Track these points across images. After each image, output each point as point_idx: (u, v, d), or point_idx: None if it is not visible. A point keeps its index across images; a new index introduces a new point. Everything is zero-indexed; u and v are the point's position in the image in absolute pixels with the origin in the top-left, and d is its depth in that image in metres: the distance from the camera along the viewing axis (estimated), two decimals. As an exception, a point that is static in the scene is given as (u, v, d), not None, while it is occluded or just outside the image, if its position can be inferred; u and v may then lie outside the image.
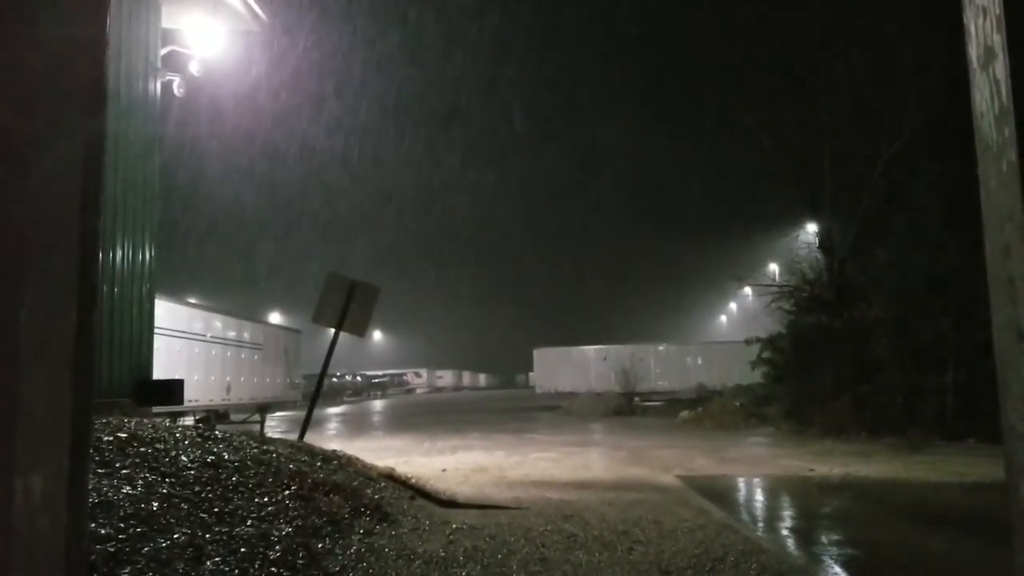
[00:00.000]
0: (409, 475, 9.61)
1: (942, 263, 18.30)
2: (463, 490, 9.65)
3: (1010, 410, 1.34)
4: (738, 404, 25.82)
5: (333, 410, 41.61)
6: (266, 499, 5.89)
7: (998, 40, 1.35)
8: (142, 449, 5.91)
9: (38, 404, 1.14)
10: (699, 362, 43.73)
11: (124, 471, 5.30)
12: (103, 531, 4.17)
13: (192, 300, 26.10)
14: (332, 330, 11.96)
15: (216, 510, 5.26)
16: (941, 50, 16.93)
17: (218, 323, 23.60)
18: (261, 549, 4.88)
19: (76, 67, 1.26)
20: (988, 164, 1.38)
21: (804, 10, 21.44)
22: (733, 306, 71.07)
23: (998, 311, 1.37)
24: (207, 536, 4.74)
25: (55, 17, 1.25)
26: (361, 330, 12.20)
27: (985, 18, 1.38)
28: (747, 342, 25.91)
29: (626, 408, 33.12)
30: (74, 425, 1.16)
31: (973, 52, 1.43)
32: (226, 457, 6.58)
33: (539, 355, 46.81)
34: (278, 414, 29.94)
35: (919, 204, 19.64)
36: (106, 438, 5.84)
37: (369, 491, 7.60)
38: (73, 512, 1.14)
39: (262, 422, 23.47)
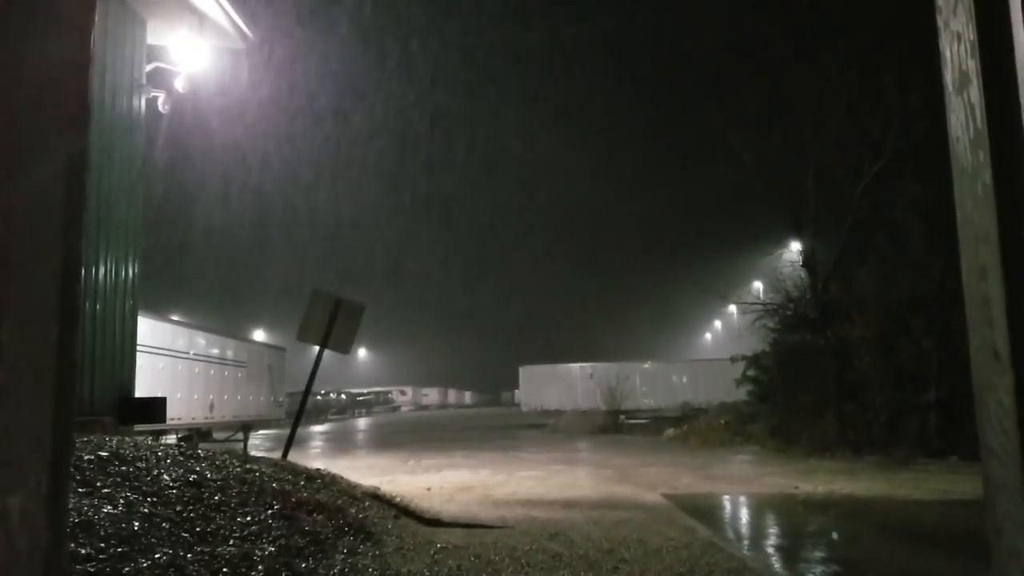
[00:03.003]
0: (394, 494, 9.55)
1: (924, 282, 18.46)
2: (448, 509, 9.60)
3: (987, 429, 1.35)
4: (723, 422, 25.86)
5: (317, 428, 41.34)
6: (249, 518, 5.84)
7: (972, 65, 1.38)
8: (123, 468, 5.86)
9: (17, 423, 1.13)
10: (684, 380, 43.84)
11: (105, 490, 5.24)
12: (83, 551, 4.12)
13: (175, 317, 25.96)
14: (317, 347, 11.91)
15: (198, 529, 5.21)
16: (922, 71, 17.17)
17: (201, 340, 23.47)
18: (244, 569, 4.83)
19: (60, 85, 1.26)
20: (964, 187, 1.41)
21: (787, 32, 21.70)
22: (718, 324, 71.35)
23: (975, 332, 1.38)
24: (189, 556, 4.69)
25: (38, 34, 1.25)
26: (346, 347, 12.17)
27: (960, 43, 1.41)
28: (732, 360, 26.01)
29: (612, 426, 33.09)
30: (54, 445, 1.15)
31: (948, 77, 1.46)
32: (209, 476, 6.53)
33: (525, 372, 46.80)
34: (261, 432, 29.74)
35: (901, 223, 19.84)
36: (87, 456, 5.78)
37: (353, 510, 7.54)
38: (52, 532, 1.13)
39: (245, 440, 23.35)
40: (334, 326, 11.73)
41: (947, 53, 1.46)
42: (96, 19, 1.37)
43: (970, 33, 1.38)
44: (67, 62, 1.29)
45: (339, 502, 7.62)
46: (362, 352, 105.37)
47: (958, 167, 1.42)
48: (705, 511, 10.51)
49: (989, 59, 1.35)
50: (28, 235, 1.20)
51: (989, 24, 1.35)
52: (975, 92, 1.37)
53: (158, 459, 6.55)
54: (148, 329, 16.97)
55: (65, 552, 1.19)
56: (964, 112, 1.40)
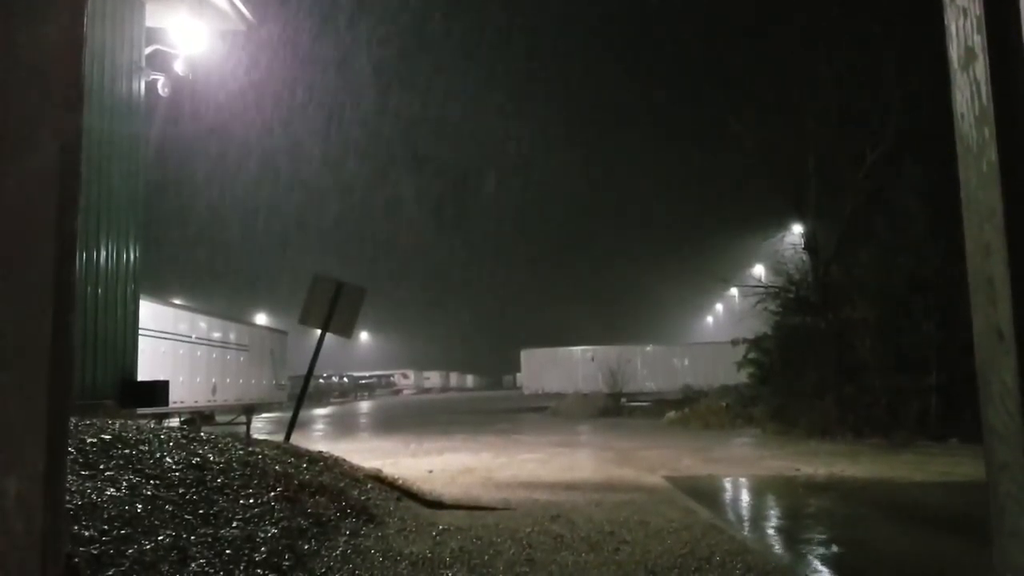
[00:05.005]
0: (396, 476, 9.58)
1: (925, 265, 18.45)
2: (450, 491, 9.64)
3: (989, 410, 1.35)
4: (724, 405, 25.91)
5: (319, 411, 41.48)
6: (252, 501, 5.86)
7: (978, 41, 1.36)
8: (126, 451, 5.87)
9: (12, 406, 1.12)
10: (686, 363, 43.82)
11: (108, 473, 5.26)
12: (87, 533, 4.14)
13: (177, 301, 25.98)
14: (318, 331, 11.92)
15: (201, 512, 5.23)
16: (925, 52, 17.05)
17: (203, 324, 23.50)
18: (246, 551, 4.86)
19: (53, 66, 1.25)
20: (968, 165, 1.39)
21: (788, 15, 21.55)
22: (719, 307, 71.33)
23: (978, 312, 1.37)
24: (192, 538, 4.71)
25: (31, 14, 1.23)
26: (347, 331, 12.17)
27: (966, 19, 1.39)
28: (733, 343, 26.02)
29: (613, 409, 33.18)
30: (50, 427, 1.15)
31: (954, 53, 1.44)
32: (211, 459, 6.55)
33: (526, 356, 46.79)
34: (264, 416, 29.82)
35: (903, 206, 19.80)
36: (90, 440, 5.79)
37: (355, 492, 7.57)
38: (50, 514, 1.13)
39: (248, 424, 23.39)
40: (335, 310, 11.74)
41: (952, 29, 1.43)
42: (91, 0, 1.35)
43: (976, 8, 1.36)
44: (60, 43, 1.27)
45: (341, 484, 7.65)
46: (364, 336, 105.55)
47: (963, 145, 1.40)
48: (706, 493, 10.55)
49: (995, 34, 1.33)
50: (23, 217, 1.19)
51: (995, -1, 1.33)
52: (981, 68, 1.35)
53: (161, 442, 6.57)
54: (150, 313, 16.98)
55: (64, 535, 1.19)
56: (969, 88, 1.38)
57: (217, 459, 6.61)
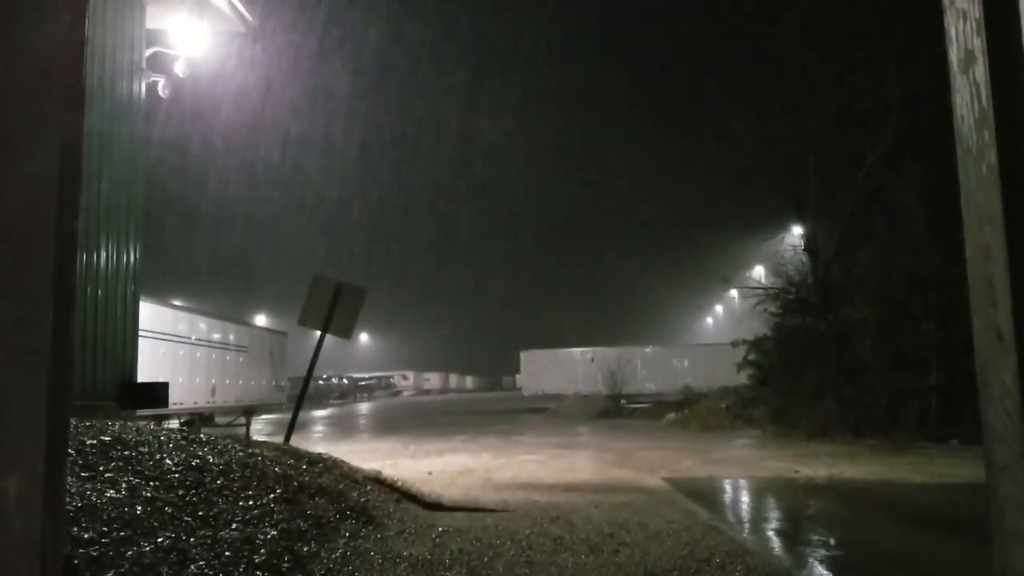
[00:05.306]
0: (395, 478, 9.58)
1: (925, 265, 18.44)
2: (449, 493, 9.63)
3: (990, 411, 1.35)
4: (724, 406, 25.90)
5: (319, 413, 41.44)
6: (251, 502, 5.86)
7: (978, 44, 1.36)
8: (126, 452, 5.86)
9: (12, 406, 1.12)
10: (685, 364, 43.83)
11: (107, 474, 5.25)
12: (86, 535, 4.13)
13: (177, 302, 25.97)
14: (318, 332, 11.92)
15: (200, 514, 5.23)
16: (925, 52, 17.07)
17: (203, 325, 23.50)
18: (246, 553, 4.85)
19: (54, 67, 1.25)
20: (968, 167, 1.39)
21: (789, 14, 21.55)
22: (719, 308, 71.34)
23: (978, 313, 1.37)
24: (191, 540, 4.71)
25: (33, 16, 1.23)
26: (347, 332, 12.17)
27: (965, 22, 1.39)
28: (733, 344, 26.02)
29: (613, 410, 33.19)
30: (50, 427, 1.15)
31: (954, 56, 1.44)
32: (211, 460, 6.54)
33: (526, 357, 46.80)
34: (263, 417, 29.82)
35: (903, 206, 19.80)
36: (89, 441, 5.79)
37: (355, 494, 7.57)
38: (50, 514, 1.13)
39: (247, 425, 23.41)
40: (335, 311, 11.73)
41: (952, 31, 1.44)
42: (92, 2, 1.35)
43: (976, 11, 1.36)
44: (62, 44, 1.28)
45: (341, 486, 7.65)
46: (364, 337, 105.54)
47: (963, 147, 1.41)
48: (706, 495, 10.55)
49: (995, 37, 1.33)
50: (24, 218, 1.20)
51: (995, 2, 1.33)
52: (980, 71, 1.35)
53: (160, 444, 6.56)
54: (149, 314, 16.99)
55: (63, 535, 1.19)
56: (969, 91, 1.38)
57: (217, 461, 6.60)
